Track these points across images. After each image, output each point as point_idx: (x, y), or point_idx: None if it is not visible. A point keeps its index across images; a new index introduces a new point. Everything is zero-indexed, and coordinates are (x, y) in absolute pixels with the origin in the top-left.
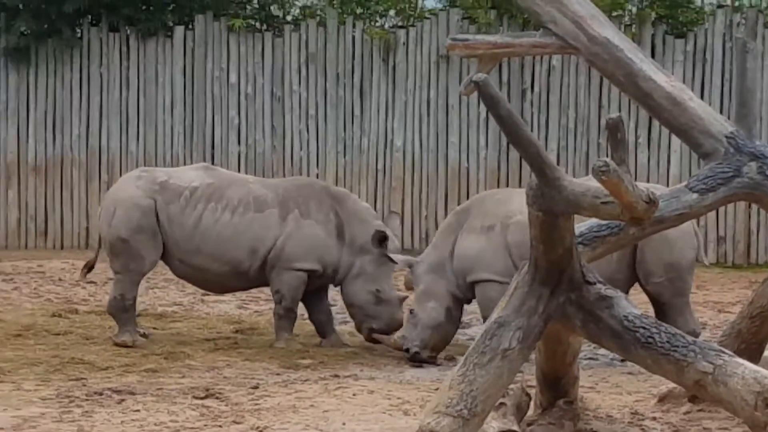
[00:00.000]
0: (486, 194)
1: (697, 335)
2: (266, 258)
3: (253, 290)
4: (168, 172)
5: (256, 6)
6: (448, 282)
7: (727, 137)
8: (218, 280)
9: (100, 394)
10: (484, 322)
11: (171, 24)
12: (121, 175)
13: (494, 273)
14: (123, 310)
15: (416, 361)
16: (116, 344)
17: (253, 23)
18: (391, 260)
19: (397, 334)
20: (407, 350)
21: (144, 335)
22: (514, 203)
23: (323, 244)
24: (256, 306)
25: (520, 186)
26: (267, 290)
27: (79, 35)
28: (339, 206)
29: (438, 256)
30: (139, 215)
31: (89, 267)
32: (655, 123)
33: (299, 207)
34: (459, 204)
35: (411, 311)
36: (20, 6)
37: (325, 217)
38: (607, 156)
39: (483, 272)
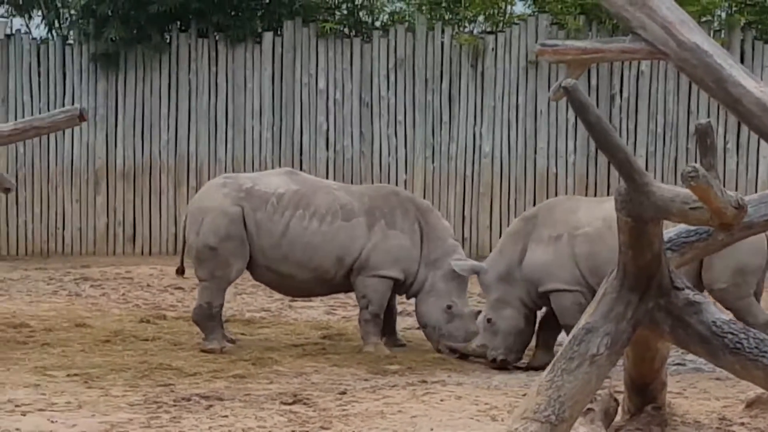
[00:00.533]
0: (554, 202)
1: None
2: (352, 266)
3: (341, 296)
4: (253, 178)
5: (345, 12)
6: (519, 289)
7: None
8: (303, 286)
9: (188, 399)
10: (563, 329)
11: (260, 30)
12: (209, 180)
13: (563, 282)
14: (209, 317)
15: (504, 367)
16: (203, 351)
17: (341, 29)
18: (459, 270)
19: (475, 342)
20: (494, 360)
21: (231, 341)
22: (581, 213)
23: (408, 255)
24: (344, 312)
25: (608, 193)
26: (354, 296)
27: (168, 41)
28: (423, 218)
29: (506, 264)
30: (227, 223)
31: (180, 272)
32: (744, 128)
33: (385, 217)
34: None
35: (488, 320)
36: (110, 12)
37: (411, 227)
38: (695, 162)
39: (552, 283)
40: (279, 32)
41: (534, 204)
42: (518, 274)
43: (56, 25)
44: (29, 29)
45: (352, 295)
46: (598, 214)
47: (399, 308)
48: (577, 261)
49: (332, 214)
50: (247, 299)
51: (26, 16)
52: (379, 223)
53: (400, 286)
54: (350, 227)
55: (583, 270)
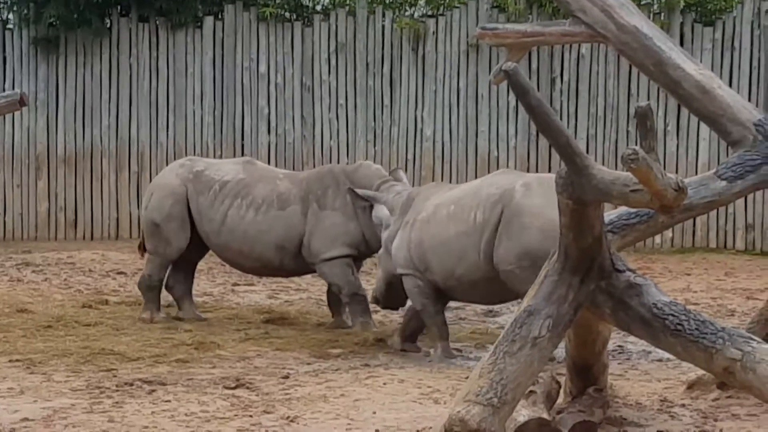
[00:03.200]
0: (425, 187)
1: None
2: (297, 253)
3: (283, 280)
4: (208, 163)
5: None
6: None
7: (755, 125)
8: (257, 272)
9: (131, 384)
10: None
11: (201, 14)
12: (150, 165)
13: (402, 267)
14: (149, 288)
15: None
16: (139, 320)
17: (282, 13)
18: (356, 194)
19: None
20: (375, 299)
21: (200, 318)
22: (431, 200)
23: (344, 230)
24: (287, 296)
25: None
26: (297, 280)
27: (108, 25)
28: (353, 183)
29: (393, 230)
30: (172, 202)
31: (141, 248)
32: (684, 111)
33: (318, 199)
34: None
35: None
36: None
37: (342, 201)
38: (636, 144)
39: (398, 267)
40: (220, 16)
41: None
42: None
43: None
44: None
45: (294, 278)
46: (434, 200)
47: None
48: (410, 246)
49: (268, 203)
50: None
51: None
52: (311, 208)
53: (364, 256)
54: (285, 216)
55: (413, 255)
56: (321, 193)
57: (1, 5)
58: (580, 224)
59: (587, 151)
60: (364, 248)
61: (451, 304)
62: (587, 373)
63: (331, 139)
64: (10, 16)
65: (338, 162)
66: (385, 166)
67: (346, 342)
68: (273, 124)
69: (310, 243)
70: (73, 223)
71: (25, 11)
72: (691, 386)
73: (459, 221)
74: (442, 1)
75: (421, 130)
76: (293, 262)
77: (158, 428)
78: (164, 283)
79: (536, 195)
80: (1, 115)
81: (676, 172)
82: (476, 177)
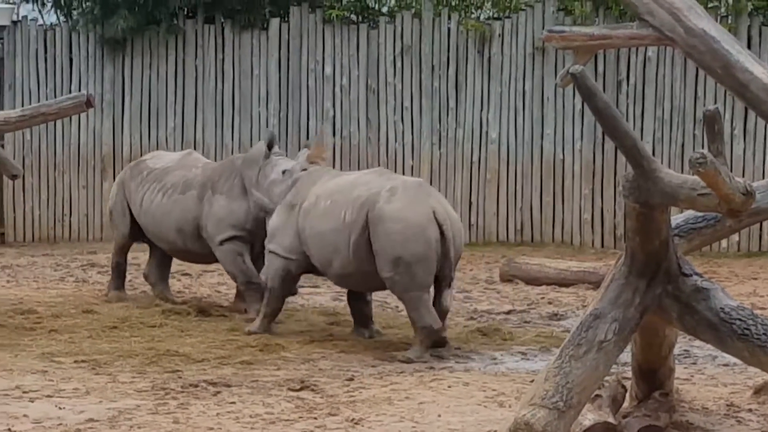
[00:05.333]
0: (309, 172)
1: (432, 332)
2: (197, 236)
3: None
4: (157, 155)
5: None
6: None
7: None
8: (173, 255)
9: (196, 386)
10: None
11: (267, 16)
12: None
13: (286, 251)
14: (112, 269)
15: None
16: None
17: (348, 15)
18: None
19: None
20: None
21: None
22: (314, 188)
23: (228, 212)
24: None
25: (615, 180)
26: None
27: (175, 27)
28: (246, 169)
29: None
30: (116, 190)
31: None
32: (752, 114)
33: (213, 185)
34: (553, 197)
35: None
36: None
37: (230, 185)
38: (703, 148)
39: (272, 244)
40: (286, 18)
41: (541, 191)
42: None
43: (65, 10)
44: (41, 15)
45: None
46: (316, 189)
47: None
48: (296, 232)
49: (173, 188)
50: None
51: (38, 2)
52: (207, 194)
53: (255, 236)
54: (183, 200)
55: (300, 241)
56: (217, 179)
57: (72, 8)
58: (647, 228)
59: (653, 155)
60: (252, 226)
61: (516, 308)
62: (653, 377)
63: (396, 141)
64: (79, 18)
65: (403, 165)
66: (450, 169)
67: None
68: (338, 127)
69: (207, 227)
70: None
71: (93, 13)
72: (758, 391)
73: (332, 217)
74: (509, 4)
75: (487, 132)
76: (198, 245)
77: (223, 430)
78: (144, 272)
79: (398, 200)
80: (68, 116)
81: (743, 176)
82: (541, 180)
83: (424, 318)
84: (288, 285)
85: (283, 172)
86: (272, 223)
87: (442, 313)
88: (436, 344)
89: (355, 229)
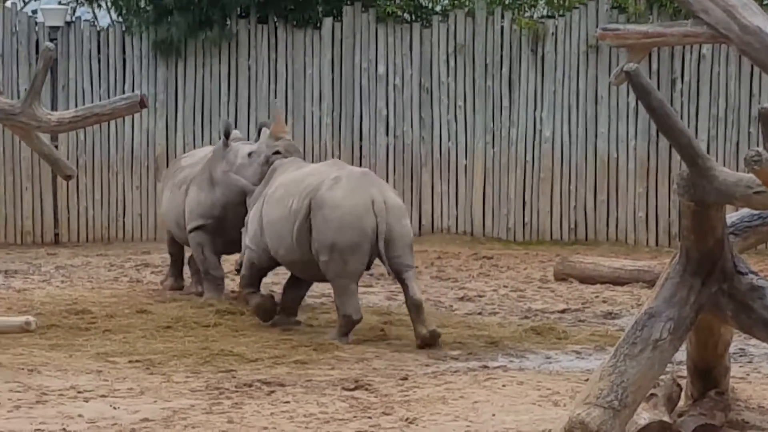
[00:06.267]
0: (282, 162)
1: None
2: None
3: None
4: (191, 153)
5: None
6: None
7: None
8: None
9: (250, 385)
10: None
11: (320, 15)
12: None
13: (250, 240)
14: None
15: None
16: None
17: (401, 14)
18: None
19: None
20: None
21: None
22: (280, 178)
23: (196, 202)
24: None
25: (669, 179)
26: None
27: (228, 28)
28: (211, 163)
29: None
30: (160, 188)
31: None
32: None
33: (194, 178)
34: (607, 195)
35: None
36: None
37: (201, 178)
38: (758, 146)
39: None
40: (338, 18)
41: (595, 190)
42: None
43: (120, 11)
44: (96, 17)
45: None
46: (281, 179)
47: (461, 293)
48: (261, 222)
49: (180, 185)
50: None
51: (95, 4)
52: (185, 186)
53: (223, 227)
54: (179, 194)
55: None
56: (198, 172)
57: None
58: (702, 226)
59: (708, 153)
60: (220, 212)
61: (570, 306)
62: (708, 376)
63: (449, 140)
64: (132, 18)
65: (456, 164)
66: (503, 168)
67: (465, 343)
68: (391, 126)
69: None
70: None
71: (146, 14)
72: None
73: (281, 206)
74: (562, 2)
75: (540, 131)
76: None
77: (277, 429)
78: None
79: (339, 188)
80: (121, 117)
81: None
82: (596, 179)
83: (347, 307)
84: (256, 276)
85: (249, 154)
86: (248, 215)
87: (415, 306)
88: (427, 343)
89: (299, 216)
